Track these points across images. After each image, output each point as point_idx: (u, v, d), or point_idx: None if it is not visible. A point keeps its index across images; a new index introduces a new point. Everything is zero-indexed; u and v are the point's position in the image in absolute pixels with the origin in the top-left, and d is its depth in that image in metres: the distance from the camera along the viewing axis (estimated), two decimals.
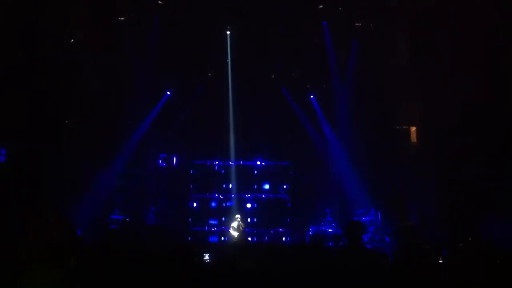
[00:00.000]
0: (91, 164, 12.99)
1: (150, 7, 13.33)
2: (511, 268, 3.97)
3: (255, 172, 16.73)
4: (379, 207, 13.23)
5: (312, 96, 15.89)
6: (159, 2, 13.08)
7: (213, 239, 15.86)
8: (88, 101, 13.14)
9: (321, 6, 13.28)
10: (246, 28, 13.93)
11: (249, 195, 16.44)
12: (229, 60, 14.84)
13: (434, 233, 11.72)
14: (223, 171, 16.71)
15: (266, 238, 15.96)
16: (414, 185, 13.50)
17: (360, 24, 13.88)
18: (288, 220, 16.18)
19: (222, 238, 15.61)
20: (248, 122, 15.53)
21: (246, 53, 14.36)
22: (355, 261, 4.23)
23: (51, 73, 11.39)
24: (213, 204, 16.41)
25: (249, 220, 15.66)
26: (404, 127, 15.04)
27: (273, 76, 15.42)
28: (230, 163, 16.43)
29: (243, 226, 13.49)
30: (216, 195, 16.46)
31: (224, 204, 16.40)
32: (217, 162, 16.64)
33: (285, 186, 16.60)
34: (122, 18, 13.36)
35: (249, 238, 15.36)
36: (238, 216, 13.61)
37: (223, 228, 15.63)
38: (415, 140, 14.84)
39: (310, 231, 13.86)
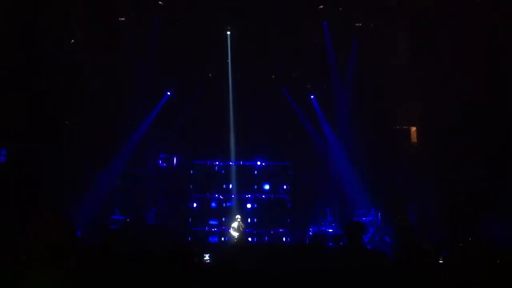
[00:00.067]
0: (91, 164, 12.99)
1: (150, 8, 13.32)
2: (511, 268, 3.97)
3: (255, 172, 16.74)
4: (379, 207, 13.23)
5: (312, 96, 15.90)
6: (160, 2, 13.08)
7: (213, 239, 15.86)
8: (88, 101, 13.13)
9: (321, 6, 13.27)
10: (246, 28, 13.93)
11: (249, 195, 16.45)
12: (229, 60, 14.85)
13: (434, 233, 11.72)
14: (223, 171, 16.71)
15: (266, 238, 15.96)
16: (414, 185, 13.50)
17: (360, 24, 13.88)
18: (288, 220, 16.19)
19: (222, 239, 15.61)
20: (248, 122, 15.54)
21: (246, 53, 14.36)
22: (355, 261, 4.23)
23: (51, 73, 11.38)
24: (213, 204, 16.42)
25: (249, 220, 15.67)
26: (404, 127, 15.04)
27: (273, 76, 15.42)
28: (230, 163, 16.43)
29: (243, 226, 13.50)
30: (216, 195, 16.46)
31: (224, 204, 16.40)
32: (217, 162, 16.65)
33: (285, 186, 16.60)
34: (123, 19, 13.35)
35: (249, 239, 15.36)
36: (238, 216, 13.62)
37: (223, 228, 15.64)
38: (415, 140, 14.83)
39: (310, 231, 13.87)
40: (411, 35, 13.48)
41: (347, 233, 4.61)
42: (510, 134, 10.73)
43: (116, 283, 3.73)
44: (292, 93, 15.72)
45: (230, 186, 16.44)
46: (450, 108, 12.17)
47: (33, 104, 11.06)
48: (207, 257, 8.51)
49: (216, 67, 15.23)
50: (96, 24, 12.85)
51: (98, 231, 12.17)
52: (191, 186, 16.46)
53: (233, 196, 16.33)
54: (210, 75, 15.50)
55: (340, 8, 13.45)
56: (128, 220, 13.52)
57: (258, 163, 16.70)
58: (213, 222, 16.15)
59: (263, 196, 16.49)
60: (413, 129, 14.96)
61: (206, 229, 16.05)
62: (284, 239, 15.91)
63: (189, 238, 15.28)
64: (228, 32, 14.31)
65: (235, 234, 13.29)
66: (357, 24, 13.93)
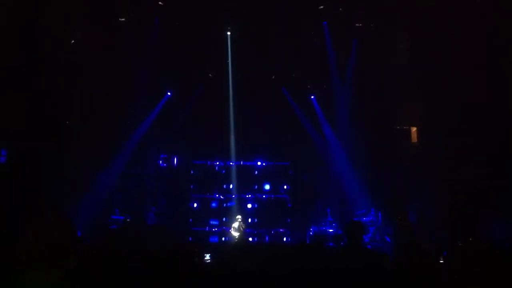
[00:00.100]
0: (91, 164, 12.99)
1: (151, 8, 13.32)
2: (511, 268, 3.97)
3: (256, 172, 16.75)
4: (380, 207, 13.23)
5: (312, 97, 15.90)
6: (160, 3, 13.08)
7: (213, 239, 15.87)
8: (88, 101, 13.13)
9: (321, 7, 13.27)
10: (246, 28, 13.93)
11: (249, 196, 16.45)
12: (229, 61, 14.85)
13: (434, 233, 11.72)
14: (223, 172, 16.73)
15: (267, 238, 15.97)
16: (414, 185, 13.50)
17: (360, 24, 13.88)
18: (289, 220, 16.20)
19: (223, 239, 15.62)
20: (248, 122, 15.54)
21: (246, 53, 14.36)
22: (356, 261, 4.23)
23: (51, 73, 11.38)
24: (213, 204, 16.43)
25: (249, 220, 15.68)
26: (405, 127, 15.03)
27: (273, 76, 15.42)
28: (231, 163, 16.44)
29: (243, 226, 13.50)
30: (217, 195, 16.47)
31: (224, 205, 16.41)
32: (217, 163, 16.66)
33: (285, 186, 16.61)
34: (123, 19, 13.34)
35: (250, 239, 15.37)
36: (239, 216, 13.62)
37: (224, 229, 15.65)
38: (416, 140, 14.83)
39: (310, 231, 13.87)
40: (411, 35, 13.48)
41: (348, 233, 4.60)
42: (510, 134, 10.73)
43: (116, 283, 3.73)
44: (292, 93, 15.72)
45: (231, 186, 16.45)
46: (450, 108, 12.16)
47: (33, 104, 11.05)
48: (207, 257, 8.52)
49: (216, 67, 15.23)
50: (96, 24, 12.85)
51: (98, 231, 12.17)
52: (191, 186, 16.47)
53: (233, 196, 16.34)
54: (210, 75, 15.50)
55: (340, 8, 13.45)
56: (128, 220, 13.52)
57: (259, 163, 16.71)
58: (214, 222, 16.16)
59: (264, 196, 16.50)
60: (414, 129, 14.96)
61: (207, 229, 16.06)
62: (284, 239, 15.91)
63: (190, 238, 15.28)
64: (229, 33, 14.31)
65: (235, 234, 13.29)
66: (357, 24, 13.93)
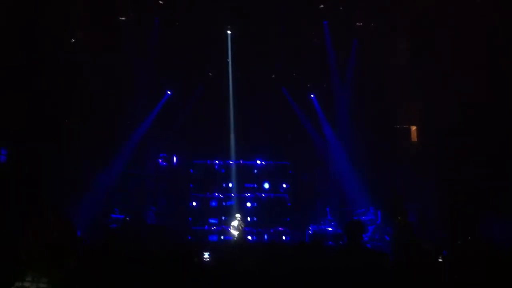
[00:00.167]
0: (91, 164, 12.98)
1: (151, 7, 13.32)
2: (511, 268, 3.97)
3: (255, 171, 16.76)
4: (379, 206, 13.24)
5: (312, 96, 15.90)
6: (160, 2, 13.07)
7: (213, 238, 15.88)
8: (88, 101, 13.13)
9: (321, 6, 13.27)
10: (246, 28, 13.93)
11: (249, 194, 16.46)
12: (229, 60, 14.84)
13: (434, 233, 11.72)
14: (223, 171, 16.74)
15: (266, 237, 15.98)
16: (414, 185, 13.50)
17: (360, 23, 13.87)
18: (288, 219, 16.21)
19: (222, 237, 15.62)
20: (248, 121, 15.54)
21: (247, 53, 14.37)
22: (356, 261, 4.23)
23: (51, 73, 11.38)
24: (213, 203, 16.43)
25: (249, 219, 15.68)
26: (405, 126, 15.04)
27: (273, 75, 15.41)
28: (230, 162, 16.44)
29: (243, 225, 13.49)
30: (216, 194, 16.48)
31: (224, 203, 16.42)
32: (217, 162, 16.67)
33: (284, 185, 16.62)
34: (123, 18, 13.34)
35: (249, 237, 15.37)
36: (238, 215, 13.62)
37: (223, 227, 15.64)
38: (416, 139, 14.83)
39: (310, 230, 13.87)
40: (411, 35, 13.48)
41: (348, 232, 4.61)
42: (510, 134, 10.73)
43: (116, 283, 3.73)
44: (292, 93, 15.73)
45: (230, 185, 16.47)
46: (450, 108, 12.17)
47: (33, 104, 11.05)
48: (206, 255, 8.53)
49: (216, 67, 15.23)
50: (96, 24, 12.85)
51: (98, 231, 12.17)
52: (191, 185, 16.47)
53: (233, 195, 16.35)
54: (210, 74, 15.50)
55: (341, 8, 13.45)
56: (127, 219, 13.53)
57: (258, 162, 16.72)
58: (213, 221, 16.17)
59: (263, 195, 16.51)
60: (413, 128, 14.96)
61: (206, 228, 16.07)
62: (284, 238, 15.92)
63: (189, 237, 15.29)
64: (229, 32, 14.30)
65: (235, 233, 13.29)
66: (357, 24, 13.93)
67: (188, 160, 16.57)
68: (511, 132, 10.73)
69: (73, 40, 12.89)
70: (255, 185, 16.55)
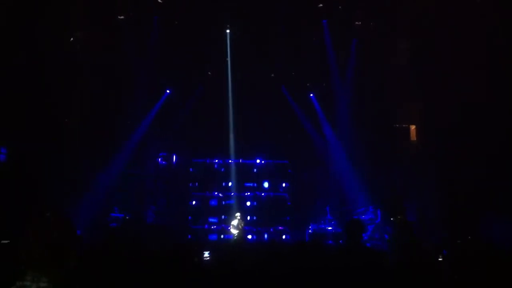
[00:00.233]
0: (91, 164, 12.98)
1: (150, 7, 13.32)
2: (511, 268, 3.97)
3: (255, 170, 16.78)
4: (379, 205, 13.25)
5: (312, 95, 15.90)
6: (159, 1, 13.07)
7: (212, 237, 15.88)
8: (88, 101, 13.13)
9: (321, 5, 13.27)
10: (245, 28, 13.93)
11: (248, 193, 16.46)
12: (228, 59, 14.85)
13: (434, 233, 11.72)
14: (223, 170, 16.75)
15: (266, 236, 15.98)
16: (414, 185, 13.51)
17: (360, 23, 13.87)
18: (288, 218, 16.22)
19: (222, 236, 15.63)
20: (247, 121, 15.55)
21: (246, 52, 14.36)
22: (356, 260, 4.23)
23: (51, 73, 11.38)
24: (213, 202, 16.44)
25: (248, 218, 15.69)
26: (404, 125, 15.05)
27: (272, 74, 15.41)
28: (230, 161, 16.44)
29: (242, 224, 13.50)
30: (216, 193, 16.48)
31: (224, 202, 16.43)
32: (216, 161, 16.68)
33: (284, 185, 16.63)
34: (122, 17, 13.32)
35: (249, 236, 15.39)
36: (238, 214, 13.62)
37: (223, 226, 15.65)
38: (415, 139, 14.84)
39: (310, 229, 13.89)
40: (411, 35, 13.48)
41: (348, 232, 4.61)
42: (510, 134, 10.73)
43: (116, 283, 3.73)
44: (292, 92, 15.73)
45: (230, 184, 16.48)
46: (450, 108, 12.17)
47: (33, 104, 11.05)
48: (206, 254, 8.54)
49: (215, 66, 15.23)
50: (96, 24, 12.85)
51: (98, 231, 12.17)
52: (190, 184, 16.48)
53: (232, 194, 16.35)
54: (210, 73, 15.50)
55: (340, 7, 13.45)
56: (127, 218, 13.53)
57: (258, 161, 16.73)
58: (213, 220, 16.18)
59: (263, 194, 16.52)
60: (413, 127, 14.96)
61: (206, 227, 16.07)
62: (284, 237, 15.93)
63: (189, 236, 15.29)
64: (228, 30, 14.30)
65: (234, 232, 13.30)
66: (357, 23, 13.92)
67: (188, 159, 16.57)
68: (511, 132, 10.73)
69: (73, 39, 12.86)
70: (255, 184, 16.57)
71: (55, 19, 11.41)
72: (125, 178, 14.86)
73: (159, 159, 16.25)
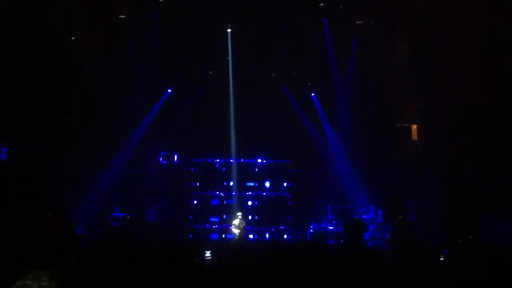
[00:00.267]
0: (91, 164, 12.99)
1: (151, 6, 13.32)
2: (511, 268, 3.97)
3: (256, 169, 16.78)
4: (379, 204, 13.26)
5: (313, 94, 15.91)
6: (160, 0, 13.06)
7: (214, 236, 15.88)
8: (88, 101, 13.13)
9: (321, 4, 13.27)
10: (246, 27, 13.93)
11: (250, 193, 16.47)
12: (229, 58, 14.84)
13: (434, 233, 11.72)
14: (224, 169, 16.75)
15: (267, 235, 15.99)
16: (414, 185, 13.51)
17: (360, 22, 13.87)
18: (289, 217, 16.22)
19: (223, 236, 15.63)
20: (248, 120, 15.55)
21: (247, 52, 14.36)
22: (357, 260, 4.23)
23: (51, 73, 11.38)
24: (214, 201, 16.44)
25: (250, 217, 15.68)
26: (405, 124, 15.04)
27: (273, 74, 15.41)
28: (231, 160, 16.44)
29: (244, 223, 13.49)
30: (217, 192, 16.48)
31: (225, 202, 16.43)
32: (218, 160, 16.67)
33: (285, 184, 16.62)
34: (123, 16, 13.32)
35: (251, 236, 15.39)
36: (239, 213, 13.62)
37: (224, 226, 15.66)
38: (416, 138, 14.83)
39: (311, 228, 13.89)
40: (411, 35, 13.48)
41: (348, 231, 4.60)
42: (510, 134, 10.73)
43: (116, 283, 3.73)
44: (293, 92, 15.74)
45: (231, 183, 16.48)
46: (450, 108, 12.17)
47: (33, 104, 11.05)
48: (208, 254, 8.55)
49: (216, 66, 15.23)
50: (96, 24, 12.84)
51: (99, 231, 12.17)
52: (191, 184, 16.48)
53: (233, 193, 16.35)
54: (211, 72, 15.50)
55: (341, 6, 13.45)
56: (129, 217, 13.54)
57: (259, 160, 16.73)
58: (214, 220, 16.18)
59: (264, 193, 16.52)
60: (414, 127, 14.95)
61: (207, 226, 16.07)
62: (285, 236, 15.93)
63: (190, 236, 15.30)
64: (229, 30, 14.29)
65: (236, 231, 13.30)
66: (357, 22, 13.92)
67: (189, 159, 16.57)
68: (511, 132, 10.73)
69: (74, 37, 12.86)
70: (256, 184, 16.57)
71: (55, 19, 11.41)
72: (125, 178, 14.86)
73: (160, 159, 16.24)
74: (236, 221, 13.42)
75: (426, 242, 8.63)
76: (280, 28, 13.53)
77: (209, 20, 13.54)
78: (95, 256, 4.15)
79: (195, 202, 16.36)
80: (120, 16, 13.30)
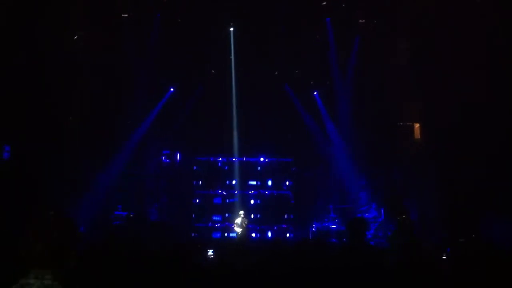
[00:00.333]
0: (91, 164, 12.98)
1: (151, 6, 13.32)
2: (511, 268, 3.97)
3: (259, 168, 16.77)
4: (382, 204, 13.27)
5: (315, 93, 15.91)
6: None
7: (216, 235, 15.88)
8: (88, 101, 13.13)
9: (324, 3, 13.27)
10: (248, 26, 13.92)
11: (252, 191, 16.46)
12: (232, 57, 14.84)
13: (434, 233, 11.72)
14: (226, 168, 16.74)
15: (270, 234, 15.98)
16: (415, 185, 13.50)
17: (363, 20, 13.87)
18: (292, 216, 16.22)
19: (226, 234, 15.63)
20: (251, 119, 15.54)
21: (249, 51, 14.36)
22: (359, 258, 4.23)
23: (51, 73, 11.38)
24: (216, 200, 16.43)
25: (252, 216, 15.67)
26: (408, 123, 15.04)
27: (276, 72, 15.40)
28: (234, 159, 16.44)
29: (246, 222, 13.48)
30: (220, 191, 16.48)
31: (227, 201, 16.42)
32: (220, 159, 16.67)
33: (288, 183, 16.62)
34: (125, 15, 13.31)
35: (253, 234, 15.40)
36: (241, 212, 13.61)
37: (227, 224, 15.65)
38: (419, 137, 14.82)
39: (313, 227, 13.90)
40: (411, 34, 13.48)
41: (350, 230, 4.59)
42: (510, 134, 10.73)
43: (116, 283, 3.73)
44: (295, 90, 15.74)
45: (234, 182, 16.47)
46: (450, 108, 12.16)
47: (34, 104, 11.05)
48: (210, 252, 8.57)
49: (219, 65, 15.23)
50: (96, 24, 12.84)
51: (99, 231, 12.17)
52: (194, 183, 16.48)
53: (236, 192, 16.35)
54: (213, 71, 15.49)
55: (343, 5, 13.45)
56: (131, 215, 13.54)
57: (261, 159, 16.73)
58: (217, 218, 16.17)
59: (266, 192, 16.52)
60: (417, 125, 14.94)
61: (210, 225, 16.06)
62: (287, 235, 15.93)
63: (192, 234, 15.30)
64: (231, 29, 14.29)
65: (238, 230, 13.29)
66: (360, 21, 13.92)
67: (191, 157, 16.56)
68: (511, 132, 10.73)
69: (75, 36, 12.85)
70: (259, 182, 16.57)
71: (55, 19, 11.41)
72: (126, 178, 14.86)
73: (163, 157, 16.24)
74: (238, 220, 13.40)
75: (426, 242, 8.63)
76: (283, 27, 13.52)
77: (211, 19, 13.54)
78: (95, 256, 4.15)
79: (197, 200, 16.35)
80: (121, 15, 13.29)
